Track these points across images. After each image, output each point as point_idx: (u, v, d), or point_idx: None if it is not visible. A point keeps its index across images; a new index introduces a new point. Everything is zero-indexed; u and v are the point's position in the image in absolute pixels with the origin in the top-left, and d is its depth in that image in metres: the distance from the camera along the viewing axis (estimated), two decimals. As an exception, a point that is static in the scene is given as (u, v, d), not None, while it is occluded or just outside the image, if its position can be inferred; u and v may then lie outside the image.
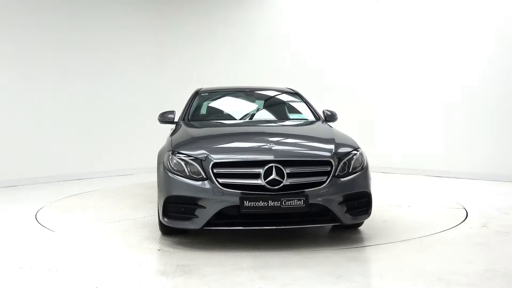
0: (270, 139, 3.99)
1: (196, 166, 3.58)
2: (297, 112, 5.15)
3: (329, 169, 3.62)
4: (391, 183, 7.30)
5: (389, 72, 8.44)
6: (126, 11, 8.72)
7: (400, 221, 4.68)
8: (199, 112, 5.11)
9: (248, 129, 4.53)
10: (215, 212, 3.45)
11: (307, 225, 3.81)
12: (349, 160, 3.76)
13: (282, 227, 3.63)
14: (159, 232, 4.11)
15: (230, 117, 5.17)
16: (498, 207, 5.31)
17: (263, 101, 5.54)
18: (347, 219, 3.63)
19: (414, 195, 6.28)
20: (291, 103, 5.34)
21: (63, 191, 6.45)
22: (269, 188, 3.43)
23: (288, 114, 5.18)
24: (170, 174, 3.63)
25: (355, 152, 3.86)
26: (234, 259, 3.39)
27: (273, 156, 3.54)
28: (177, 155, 3.71)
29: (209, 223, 3.48)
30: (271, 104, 5.52)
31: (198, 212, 3.48)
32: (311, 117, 4.96)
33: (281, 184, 3.44)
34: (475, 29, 7.51)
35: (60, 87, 7.72)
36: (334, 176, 3.62)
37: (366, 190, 3.78)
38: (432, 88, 7.97)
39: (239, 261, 3.33)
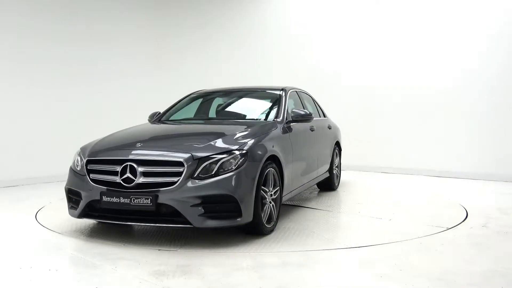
0: (158, 138, 4.29)
1: (81, 163, 4.02)
2: (262, 112, 5.05)
3: (181, 170, 3.57)
4: (391, 183, 7.31)
5: (389, 72, 8.44)
6: (126, 11, 8.72)
7: (400, 221, 4.69)
8: (175, 112, 5.39)
9: (167, 129, 4.76)
10: (85, 204, 3.83)
11: (156, 224, 3.68)
12: (215, 163, 3.63)
13: (130, 223, 3.82)
14: (159, 232, 4.12)
15: (195, 117, 5.40)
16: (498, 207, 5.32)
17: (237, 101, 5.53)
18: (200, 222, 3.53)
19: (414, 195, 6.28)
20: (267, 103, 5.24)
21: (63, 191, 6.42)
22: (124, 186, 3.62)
23: (248, 114, 5.11)
24: (71, 169, 4.14)
25: (225, 155, 3.68)
26: (234, 259, 3.39)
27: (128, 156, 3.74)
28: (79, 153, 4.16)
29: (85, 214, 3.87)
30: (243, 104, 5.48)
31: (79, 203, 3.90)
32: (278, 118, 4.74)
33: (134, 183, 3.59)
34: (475, 29, 7.51)
35: (60, 87, 7.72)
36: (190, 177, 3.55)
37: (230, 193, 3.56)
38: (432, 88, 7.97)
39: (239, 261, 3.33)
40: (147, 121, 5.31)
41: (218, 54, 9.68)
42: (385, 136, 8.44)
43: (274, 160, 4.15)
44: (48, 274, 3.10)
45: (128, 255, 3.48)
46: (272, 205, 4.08)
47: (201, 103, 5.66)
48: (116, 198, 3.62)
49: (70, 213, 4.08)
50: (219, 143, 3.89)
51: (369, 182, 7.38)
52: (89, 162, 3.93)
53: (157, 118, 5.31)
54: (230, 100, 5.57)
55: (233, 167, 3.65)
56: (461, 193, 6.31)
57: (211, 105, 5.60)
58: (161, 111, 5.53)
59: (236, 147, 3.79)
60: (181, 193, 3.52)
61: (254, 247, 3.68)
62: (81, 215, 3.90)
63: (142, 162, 3.67)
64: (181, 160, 3.60)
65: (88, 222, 4.49)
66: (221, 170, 3.62)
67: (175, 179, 3.56)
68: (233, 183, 3.59)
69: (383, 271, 3.11)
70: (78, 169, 4.02)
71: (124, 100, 8.53)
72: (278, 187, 4.19)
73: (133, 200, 3.57)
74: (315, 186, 6.49)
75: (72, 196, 4.05)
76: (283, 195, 4.35)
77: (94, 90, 8.14)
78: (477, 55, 7.49)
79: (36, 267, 3.24)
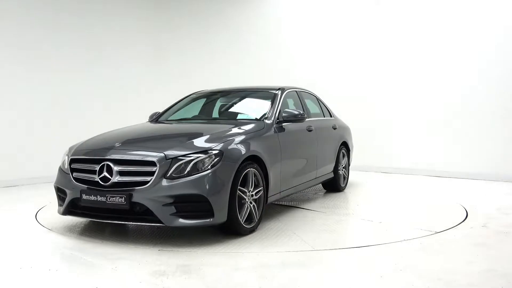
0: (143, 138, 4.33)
1: (66, 162, 4.15)
2: (254, 112, 5.04)
3: (154, 169, 3.63)
4: (391, 183, 7.30)
5: (389, 72, 8.44)
6: (126, 12, 8.72)
7: (400, 221, 4.69)
8: (174, 112, 5.45)
9: (156, 128, 4.79)
10: (68, 202, 3.97)
11: (130, 222, 3.80)
12: (188, 163, 3.66)
13: (107, 221, 3.86)
14: (159, 232, 4.12)
15: (192, 117, 5.41)
16: (498, 207, 5.32)
17: (233, 102, 5.55)
18: (171, 221, 3.58)
19: (414, 195, 6.28)
20: (262, 103, 5.18)
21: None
22: (102, 184, 3.72)
23: (240, 115, 5.12)
24: (59, 168, 4.25)
25: (198, 155, 3.71)
26: (234, 259, 3.39)
27: (106, 155, 3.82)
28: (67, 152, 4.29)
29: (69, 211, 4.00)
30: (238, 104, 5.48)
31: (65, 201, 4.03)
32: (268, 117, 4.72)
33: (110, 181, 3.68)
34: (475, 29, 7.52)
35: (60, 87, 7.72)
36: (164, 177, 3.60)
37: (202, 193, 3.59)
38: (432, 88, 7.98)
39: (239, 261, 3.33)
40: (145, 121, 5.34)
41: (218, 54, 9.68)
42: (385, 136, 8.44)
43: (256, 160, 4.15)
44: (48, 274, 3.10)
45: (128, 255, 3.48)
46: (253, 205, 4.08)
47: (200, 103, 5.69)
48: (94, 196, 3.73)
49: (58, 210, 4.20)
50: (196, 142, 3.94)
51: (375, 183, 7.37)
52: (72, 161, 4.08)
53: (155, 118, 5.39)
54: (227, 101, 5.59)
55: (207, 167, 3.68)
56: (461, 193, 6.31)
57: (208, 106, 5.63)
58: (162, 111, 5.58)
59: (211, 147, 3.82)
60: (154, 192, 3.58)
61: (254, 247, 3.68)
62: (65, 212, 4.04)
63: (118, 161, 3.76)
64: (154, 160, 3.67)
65: (88, 222, 4.50)
66: (195, 170, 3.65)
67: (148, 178, 3.63)
68: (205, 183, 3.62)
69: (383, 271, 3.11)
70: (65, 167, 4.15)
71: (124, 101, 8.52)
72: (262, 188, 4.18)
73: (109, 198, 3.67)
74: (321, 187, 6.45)
75: (60, 194, 4.17)
76: (268, 195, 4.35)
77: (94, 90, 8.14)
78: (477, 55, 7.49)
79: (36, 267, 3.24)
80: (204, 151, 3.77)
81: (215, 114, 5.46)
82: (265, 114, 4.82)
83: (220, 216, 3.70)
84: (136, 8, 8.89)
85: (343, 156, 6.48)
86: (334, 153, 6.14)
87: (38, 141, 7.38)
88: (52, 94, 7.62)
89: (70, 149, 4.31)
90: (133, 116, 8.51)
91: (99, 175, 3.75)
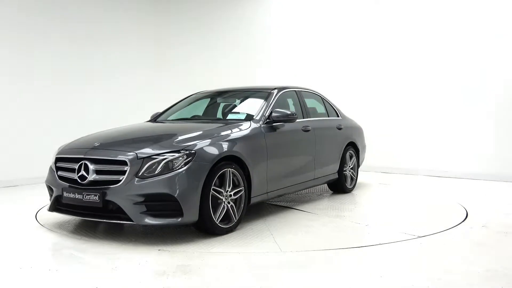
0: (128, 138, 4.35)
1: (52, 161, 4.32)
2: (244, 112, 5.04)
3: (125, 168, 3.72)
4: (391, 183, 7.30)
5: (388, 72, 8.44)
6: (126, 12, 8.72)
7: (400, 221, 4.69)
8: (173, 113, 5.50)
9: (143, 128, 4.81)
10: (53, 198, 4.14)
11: (104, 220, 3.86)
12: (159, 162, 3.72)
13: (84, 218, 4.05)
14: (159, 232, 4.12)
15: (189, 118, 5.39)
16: (498, 207, 5.32)
17: (228, 102, 5.56)
18: (141, 219, 3.65)
19: (414, 195, 6.28)
20: (255, 103, 5.17)
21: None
22: (80, 183, 3.86)
23: (231, 114, 5.11)
24: (50, 166, 4.35)
25: (170, 155, 3.76)
26: (234, 259, 3.39)
27: (84, 154, 3.98)
28: (56, 151, 4.42)
29: (55, 208, 4.14)
30: (234, 104, 5.48)
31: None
32: (256, 118, 4.72)
33: (87, 180, 3.82)
34: (475, 29, 7.51)
35: (60, 87, 7.72)
36: (136, 176, 3.68)
37: (170, 193, 3.63)
38: (432, 88, 7.98)
39: (239, 261, 3.34)
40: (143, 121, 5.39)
41: (219, 54, 9.68)
42: (385, 136, 8.43)
43: (236, 160, 4.16)
44: (48, 274, 3.10)
45: (128, 255, 3.48)
46: (231, 205, 4.08)
47: (199, 103, 5.69)
48: (73, 194, 3.89)
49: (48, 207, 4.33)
50: (171, 142, 3.98)
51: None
52: (57, 160, 4.25)
53: (154, 117, 5.47)
54: (224, 101, 5.60)
55: (178, 166, 3.72)
56: (461, 193, 6.31)
57: (205, 106, 5.64)
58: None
59: (184, 146, 3.85)
60: (126, 191, 3.67)
61: (254, 247, 3.68)
62: (51, 209, 4.19)
63: (95, 160, 3.89)
64: (125, 159, 3.75)
65: (88, 222, 4.50)
66: (167, 169, 3.71)
67: (120, 177, 3.72)
68: (174, 182, 3.66)
69: (383, 271, 3.11)
70: (52, 166, 4.32)
71: (124, 101, 8.52)
72: (242, 188, 4.18)
73: (85, 196, 3.79)
74: (327, 188, 6.39)
75: (49, 192, 4.33)
76: (252, 196, 4.35)
77: (95, 91, 8.14)
78: (478, 55, 7.49)
79: (36, 267, 3.24)
80: (177, 150, 3.81)
81: (210, 114, 5.48)
82: (254, 114, 4.82)
83: (190, 215, 3.73)
84: (136, 9, 8.89)
85: (351, 156, 6.39)
86: (338, 153, 6.04)
87: (38, 141, 7.38)
88: (52, 94, 7.63)
89: (59, 148, 4.46)
90: (134, 116, 8.53)
91: (77, 174, 3.90)
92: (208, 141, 4.02)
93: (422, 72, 8.08)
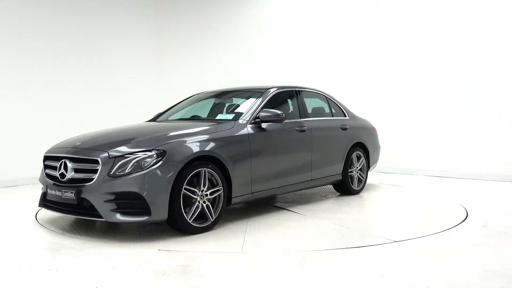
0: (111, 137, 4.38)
1: (42, 159, 4.50)
2: (233, 112, 5.05)
3: (97, 167, 3.84)
4: (391, 183, 7.30)
5: (388, 72, 8.44)
6: (127, 12, 8.72)
7: (400, 221, 4.69)
8: (173, 113, 5.55)
9: (132, 128, 4.82)
10: (41, 195, 4.37)
11: (79, 216, 4.02)
12: (129, 161, 3.80)
13: (62, 214, 4.22)
14: (159, 232, 4.13)
15: (187, 118, 5.39)
16: (498, 207, 5.32)
17: (224, 102, 5.58)
18: (110, 217, 3.77)
19: (414, 195, 6.28)
20: (247, 103, 5.15)
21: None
22: (61, 180, 4.03)
23: (221, 115, 5.14)
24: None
25: (140, 154, 3.83)
26: (234, 259, 3.39)
27: (64, 153, 4.15)
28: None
29: (43, 204, 4.34)
30: (227, 104, 5.49)
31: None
32: (242, 118, 4.72)
33: (65, 178, 3.99)
34: (475, 28, 7.51)
35: (60, 88, 7.73)
36: (107, 174, 3.79)
37: (137, 191, 3.72)
38: (432, 88, 7.98)
39: (239, 261, 3.34)
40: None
41: (219, 54, 9.68)
42: (385, 136, 8.43)
43: (214, 160, 4.17)
44: (48, 274, 3.10)
45: (128, 255, 3.48)
46: (207, 205, 4.09)
47: (198, 103, 5.69)
48: (54, 191, 4.09)
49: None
50: (145, 141, 4.06)
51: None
52: (45, 158, 4.46)
53: (153, 117, 5.56)
54: (220, 101, 5.61)
55: (147, 165, 3.78)
56: (461, 193, 6.31)
57: (205, 106, 5.64)
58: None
59: (156, 146, 3.91)
60: (97, 189, 3.79)
61: (254, 247, 3.68)
62: (40, 204, 4.41)
63: (73, 159, 4.05)
64: (97, 158, 3.87)
65: (88, 222, 4.50)
66: (137, 168, 3.78)
67: (94, 175, 3.84)
68: (143, 181, 3.74)
69: (383, 271, 3.11)
70: (42, 164, 4.50)
71: (124, 102, 8.53)
72: (220, 188, 4.18)
73: (63, 193, 3.98)
74: (333, 189, 6.30)
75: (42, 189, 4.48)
76: (232, 196, 4.35)
77: (96, 91, 8.15)
78: (478, 55, 7.49)
79: (36, 267, 3.24)
80: (149, 150, 3.87)
81: (203, 114, 5.47)
82: (241, 114, 4.81)
83: (159, 214, 3.79)
84: (136, 9, 8.89)
85: (358, 157, 6.24)
86: (342, 154, 5.90)
87: (38, 141, 7.37)
88: (52, 94, 7.63)
89: (49, 147, 4.61)
90: (135, 116, 8.54)
91: (58, 172, 4.07)
92: (182, 140, 4.05)
93: (422, 73, 8.08)
